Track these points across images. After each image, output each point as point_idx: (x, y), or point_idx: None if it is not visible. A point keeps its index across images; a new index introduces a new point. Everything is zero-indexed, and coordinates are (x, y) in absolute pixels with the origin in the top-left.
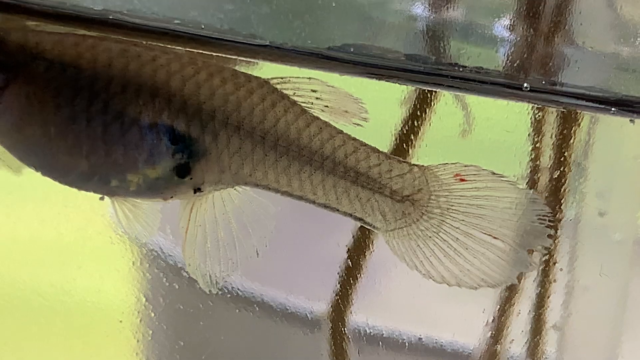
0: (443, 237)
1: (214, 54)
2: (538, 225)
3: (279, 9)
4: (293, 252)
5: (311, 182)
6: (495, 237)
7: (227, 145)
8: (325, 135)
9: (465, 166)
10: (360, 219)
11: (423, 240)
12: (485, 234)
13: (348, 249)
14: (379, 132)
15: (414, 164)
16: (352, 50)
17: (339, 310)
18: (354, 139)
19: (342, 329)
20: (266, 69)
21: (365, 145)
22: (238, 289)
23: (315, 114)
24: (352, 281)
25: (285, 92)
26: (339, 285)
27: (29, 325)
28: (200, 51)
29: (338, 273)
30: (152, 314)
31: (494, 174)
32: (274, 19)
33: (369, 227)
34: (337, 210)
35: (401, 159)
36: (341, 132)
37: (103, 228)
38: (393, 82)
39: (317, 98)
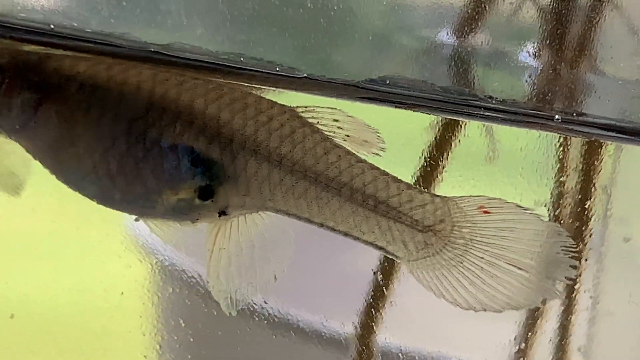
0: (467, 266)
1: (254, 85)
2: (562, 257)
3: (317, 43)
4: (327, 277)
5: (329, 208)
6: (519, 268)
7: (244, 168)
8: (344, 164)
9: (489, 199)
10: (381, 248)
11: (447, 269)
12: (509, 264)
13: (382, 273)
14: (407, 157)
15: (436, 195)
16: (387, 82)
17: (371, 334)
18: (375, 167)
19: (375, 353)
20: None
21: (386, 174)
22: (275, 314)
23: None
24: (383, 304)
25: (308, 120)
26: (371, 309)
27: (69, 348)
28: (240, 83)
29: (371, 295)
30: (191, 339)
31: (518, 206)
32: (312, 52)
33: (391, 257)
34: (358, 238)
35: (423, 189)
36: (362, 160)
37: (145, 256)
38: (424, 113)
39: (339, 127)
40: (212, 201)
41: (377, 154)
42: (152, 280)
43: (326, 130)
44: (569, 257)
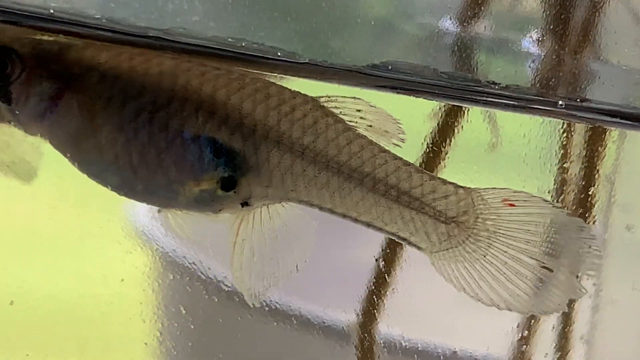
0: (491, 260)
1: (255, 71)
2: (585, 252)
3: (319, 28)
4: (328, 265)
5: (352, 199)
6: (543, 264)
7: (267, 159)
8: (367, 154)
9: (514, 192)
10: (404, 239)
11: (470, 262)
12: (533, 259)
13: (384, 261)
14: (410, 143)
15: (460, 186)
16: (389, 67)
17: (373, 323)
18: (398, 158)
19: (377, 341)
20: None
21: (409, 165)
22: (276, 302)
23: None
24: (385, 294)
25: (331, 110)
26: (373, 296)
27: (69, 335)
28: (240, 68)
29: (372, 283)
30: (192, 327)
31: (545, 200)
32: (313, 37)
33: (414, 248)
34: (381, 229)
35: (447, 180)
36: (385, 151)
37: (144, 243)
38: (427, 99)
39: (361, 117)
40: (235, 192)
41: (397, 145)
42: (152, 267)
43: (349, 120)
44: (593, 252)
